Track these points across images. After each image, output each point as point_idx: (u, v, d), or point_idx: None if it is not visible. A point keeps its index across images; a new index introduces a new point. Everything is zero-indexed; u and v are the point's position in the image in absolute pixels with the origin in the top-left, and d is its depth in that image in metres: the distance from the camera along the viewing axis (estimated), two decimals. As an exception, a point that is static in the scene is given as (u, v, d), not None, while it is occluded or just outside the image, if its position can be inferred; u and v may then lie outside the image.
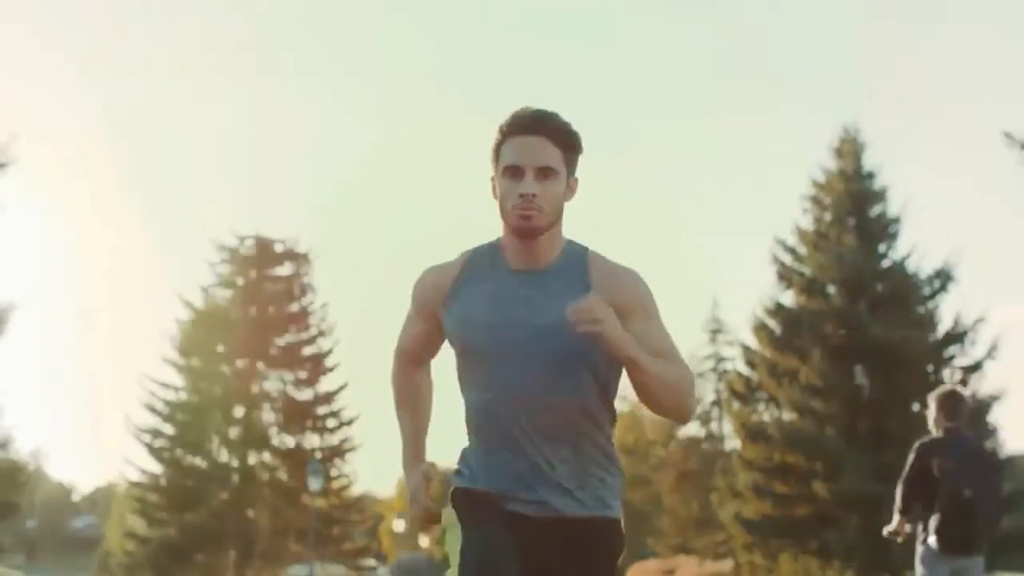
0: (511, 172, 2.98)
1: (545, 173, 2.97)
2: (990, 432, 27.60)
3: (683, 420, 3.09)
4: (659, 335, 3.03)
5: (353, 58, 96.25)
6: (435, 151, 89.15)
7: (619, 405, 56.89)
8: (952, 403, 7.08)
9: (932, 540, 6.91)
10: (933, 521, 6.93)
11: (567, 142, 3.02)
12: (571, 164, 3.04)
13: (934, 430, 7.08)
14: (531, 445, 2.99)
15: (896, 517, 7.01)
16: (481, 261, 3.12)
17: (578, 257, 3.07)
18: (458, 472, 3.15)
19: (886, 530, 7.04)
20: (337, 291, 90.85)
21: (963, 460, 6.95)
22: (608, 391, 3.08)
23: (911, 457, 6.98)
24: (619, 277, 3.04)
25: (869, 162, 30.71)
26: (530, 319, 2.99)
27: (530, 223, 2.97)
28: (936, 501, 6.90)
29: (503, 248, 3.09)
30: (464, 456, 3.14)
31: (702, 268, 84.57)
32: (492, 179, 3.06)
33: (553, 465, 3.00)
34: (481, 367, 3.04)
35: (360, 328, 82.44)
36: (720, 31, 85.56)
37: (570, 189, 3.06)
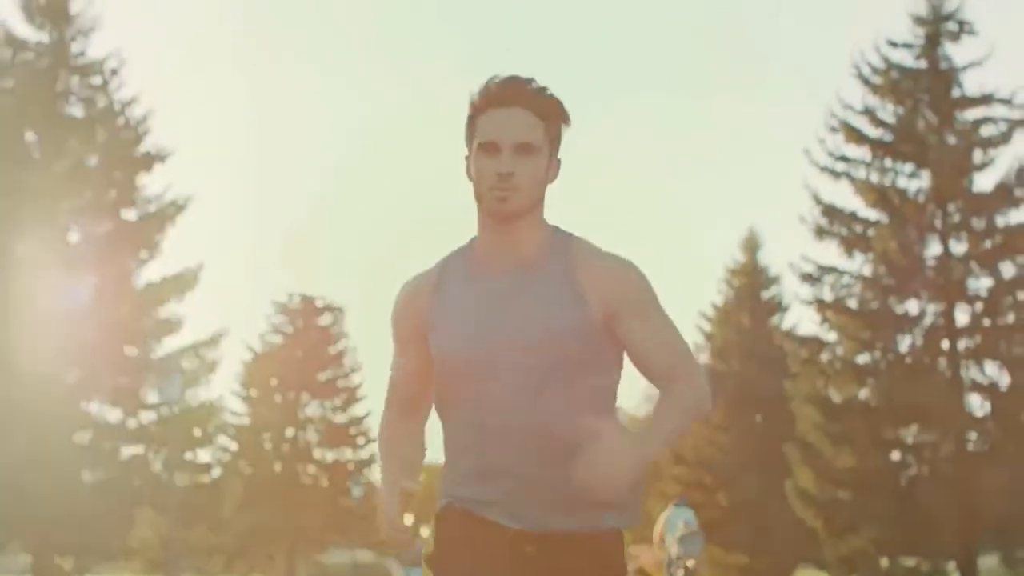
0: (486, 149, 2.55)
1: (524, 150, 2.54)
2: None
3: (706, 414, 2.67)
4: (661, 330, 2.61)
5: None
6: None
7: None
8: None
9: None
10: None
11: (550, 112, 2.58)
12: (555, 139, 2.60)
13: None
14: (523, 464, 2.54)
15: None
16: (456, 265, 2.67)
17: (561, 248, 2.61)
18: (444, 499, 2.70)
19: None
20: (365, 337, 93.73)
21: None
22: (609, 396, 2.63)
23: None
24: (609, 272, 2.58)
25: (766, 257, 38.88)
26: (516, 329, 2.55)
27: (506, 205, 2.53)
28: None
29: (477, 244, 2.65)
30: (448, 484, 2.70)
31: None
32: (466, 158, 2.62)
33: (546, 483, 2.55)
34: (467, 385, 2.58)
35: (383, 366, 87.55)
36: (706, 13, 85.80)
37: (553, 169, 2.61)
